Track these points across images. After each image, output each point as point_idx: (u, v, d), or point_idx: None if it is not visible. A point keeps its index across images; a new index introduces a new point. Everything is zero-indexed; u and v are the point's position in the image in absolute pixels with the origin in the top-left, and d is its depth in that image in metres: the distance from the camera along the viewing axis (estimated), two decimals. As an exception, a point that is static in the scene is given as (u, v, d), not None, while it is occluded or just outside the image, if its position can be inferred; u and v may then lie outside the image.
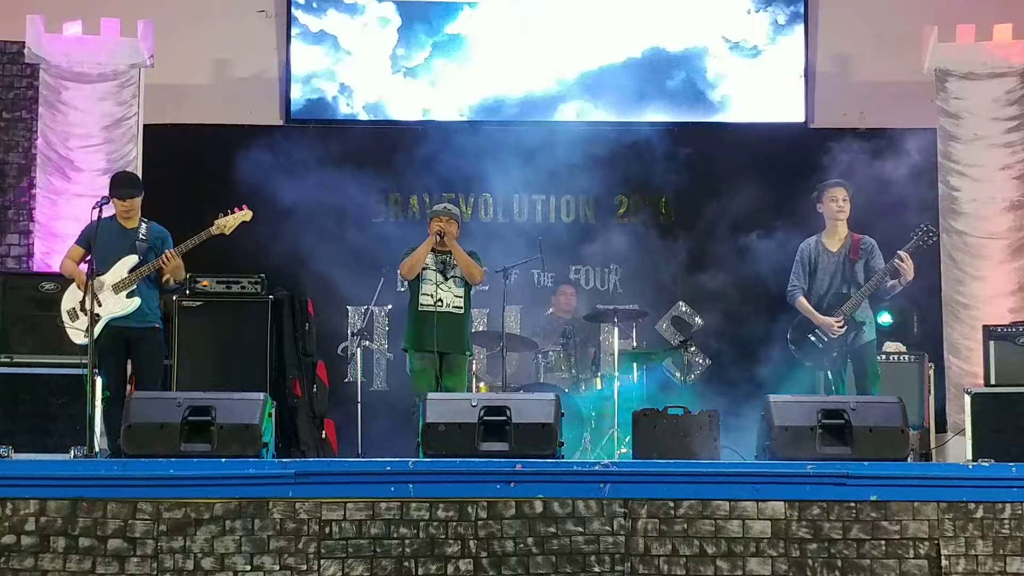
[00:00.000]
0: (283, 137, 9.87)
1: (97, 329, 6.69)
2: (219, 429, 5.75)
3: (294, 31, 10.14)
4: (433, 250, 7.43)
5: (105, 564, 5.21)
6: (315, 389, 8.32)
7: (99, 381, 6.95)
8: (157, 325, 7.15)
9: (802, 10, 10.17)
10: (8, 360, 7.66)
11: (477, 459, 5.60)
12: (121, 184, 7.11)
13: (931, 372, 8.68)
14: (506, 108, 10.19)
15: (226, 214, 7.14)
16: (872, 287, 7.04)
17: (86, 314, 6.64)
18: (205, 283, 7.78)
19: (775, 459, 5.73)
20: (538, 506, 5.28)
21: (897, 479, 5.38)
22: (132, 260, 6.99)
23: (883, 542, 5.29)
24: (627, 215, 10.12)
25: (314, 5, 10.17)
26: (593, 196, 10.08)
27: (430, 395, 6.20)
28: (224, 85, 10.05)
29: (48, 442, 7.19)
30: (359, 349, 8.58)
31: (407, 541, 5.24)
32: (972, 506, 5.33)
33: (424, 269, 7.41)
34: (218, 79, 10.07)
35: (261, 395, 6.03)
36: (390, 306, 9.69)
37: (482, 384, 8.86)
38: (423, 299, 7.40)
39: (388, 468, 5.36)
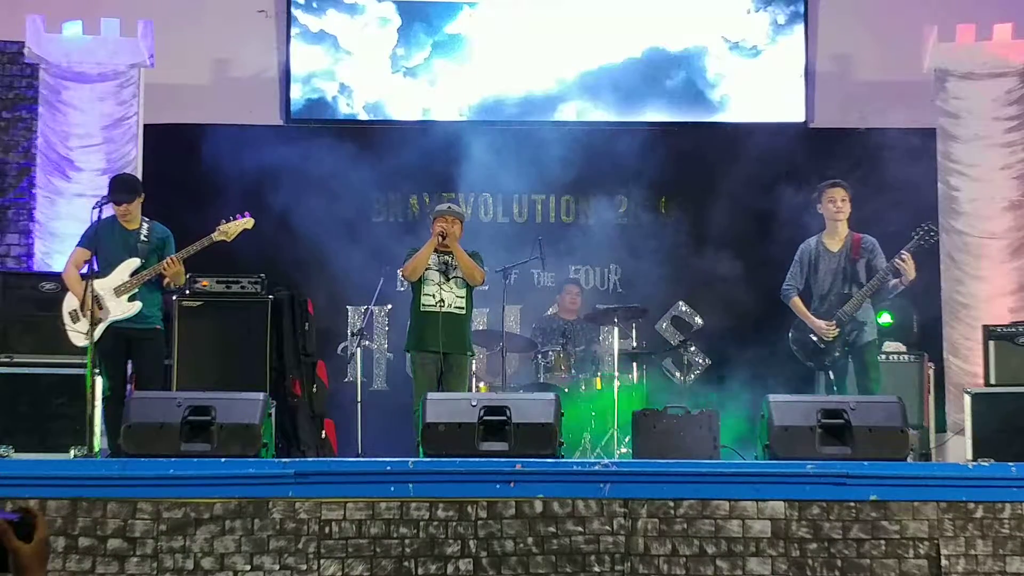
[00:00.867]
0: (283, 137, 9.88)
1: (98, 332, 6.69)
2: (219, 429, 5.76)
3: (294, 31, 10.14)
4: (435, 250, 7.43)
5: (105, 564, 5.21)
6: (315, 389, 8.31)
7: (99, 381, 6.95)
8: (158, 326, 7.16)
9: (802, 10, 10.16)
10: (8, 360, 7.65)
11: (477, 459, 5.60)
12: (117, 189, 7.08)
13: (931, 372, 8.68)
14: (506, 108, 10.19)
15: (228, 221, 7.14)
16: (874, 286, 7.04)
17: (87, 317, 6.64)
18: (205, 283, 7.78)
19: (775, 459, 5.73)
20: (538, 506, 5.28)
21: (897, 479, 5.39)
22: (134, 263, 6.99)
23: (883, 542, 5.29)
24: (627, 215, 10.12)
25: (314, 5, 10.17)
26: (593, 196, 10.07)
27: (430, 395, 6.20)
28: (224, 85, 10.04)
29: (48, 442, 7.17)
30: (359, 349, 8.58)
31: (407, 541, 5.25)
32: (972, 506, 5.33)
33: (426, 270, 7.41)
34: (218, 79, 10.07)
35: (261, 395, 6.04)
36: (390, 306, 9.70)
37: (482, 384, 8.86)
38: (425, 299, 7.40)
39: (388, 468, 5.36)
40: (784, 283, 7.32)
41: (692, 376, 9.49)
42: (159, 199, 7.91)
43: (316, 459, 7.26)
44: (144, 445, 5.72)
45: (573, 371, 8.79)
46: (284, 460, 5.75)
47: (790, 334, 7.30)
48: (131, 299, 6.94)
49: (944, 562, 5.27)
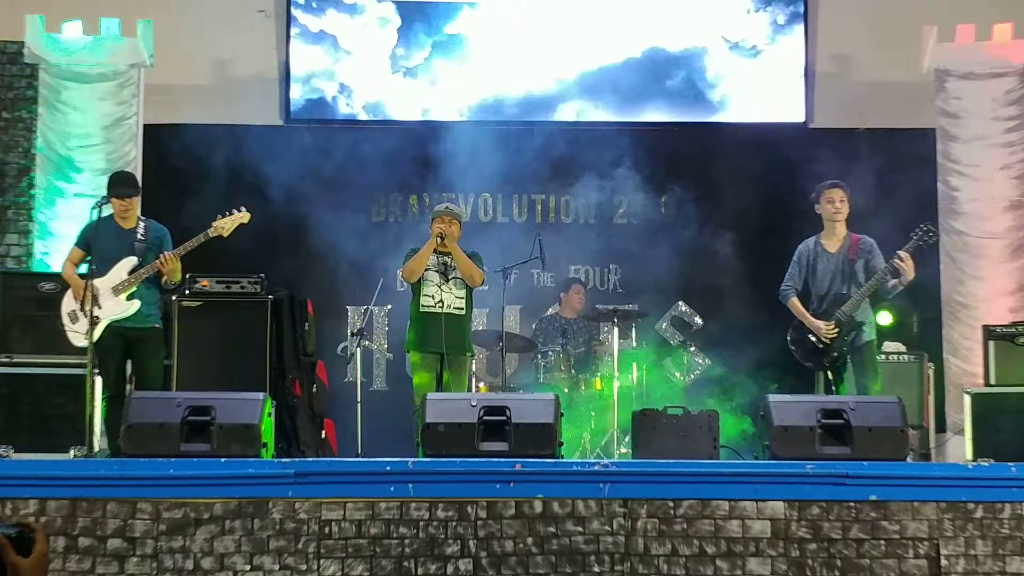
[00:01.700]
0: (283, 137, 9.88)
1: (97, 331, 6.69)
2: (219, 429, 5.75)
3: (294, 31, 10.14)
4: (435, 251, 7.43)
5: (105, 564, 5.21)
6: (315, 389, 8.32)
7: (99, 381, 6.95)
8: (157, 325, 7.15)
9: (802, 10, 10.16)
10: (8, 360, 7.66)
11: (477, 459, 5.60)
12: (120, 183, 7.11)
13: (931, 372, 8.69)
14: (506, 108, 10.19)
15: (224, 216, 7.14)
16: (872, 287, 7.03)
17: (86, 316, 6.64)
18: (205, 283, 7.78)
19: (775, 459, 5.73)
20: (538, 506, 5.28)
21: (896, 479, 5.39)
22: (131, 262, 6.99)
23: (883, 542, 5.29)
24: (627, 215, 10.12)
25: (314, 5, 10.17)
26: (593, 196, 10.06)
27: (430, 395, 6.20)
28: (224, 85, 10.04)
29: (48, 442, 7.18)
30: (359, 349, 8.58)
31: (407, 541, 5.24)
32: (971, 506, 5.33)
33: (425, 270, 7.41)
34: (218, 79, 10.07)
35: (261, 395, 6.03)
36: (390, 306, 9.69)
37: (482, 384, 8.86)
38: (424, 300, 7.40)
39: (388, 468, 5.36)
40: (782, 284, 7.32)
41: (692, 376, 9.49)
42: (159, 199, 7.93)
43: (316, 459, 7.26)
44: (144, 445, 5.72)
45: (573, 371, 8.79)
46: (284, 460, 5.75)
47: (788, 334, 7.30)
48: (129, 298, 6.94)
49: (944, 562, 5.27)
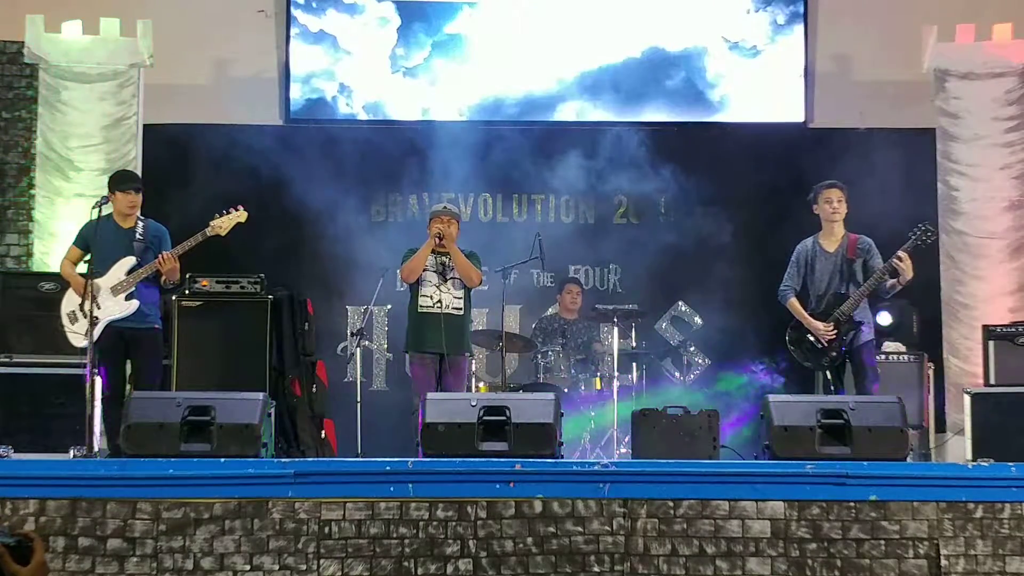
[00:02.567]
0: (283, 137, 9.87)
1: (96, 332, 6.69)
2: (218, 429, 5.75)
3: (293, 31, 10.14)
4: (433, 251, 7.43)
5: (105, 564, 5.21)
6: (315, 389, 8.32)
7: (98, 381, 6.95)
8: (156, 325, 7.15)
9: (802, 10, 10.16)
10: (8, 360, 7.66)
11: (476, 459, 5.60)
12: (127, 178, 7.18)
13: (931, 372, 8.68)
14: (506, 108, 10.19)
15: (221, 215, 7.14)
16: (871, 286, 7.03)
17: (85, 317, 6.64)
18: (204, 283, 7.78)
19: (774, 459, 5.73)
20: (537, 506, 5.28)
21: (896, 479, 5.38)
22: (130, 262, 6.99)
23: (882, 542, 5.29)
24: (627, 215, 10.12)
25: (313, 5, 10.17)
26: (593, 196, 10.07)
27: (430, 395, 6.20)
28: (223, 85, 10.04)
29: (47, 442, 7.18)
30: (359, 349, 8.58)
31: (407, 541, 5.24)
32: (971, 506, 5.33)
33: (423, 271, 7.41)
34: (217, 79, 10.07)
35: (260, 395, 6.03)
36: (390, 306, 9.69)
37: (482, 384, 8.86)
38: (423, 300, 7.41)
39: (387, 468, 5.36)
40: (781, 284, 7.32)
41: (692, 376, 9.49)
42: (159, 199, 7.92)
43: (316, 459, 7.26)
44: (144, 445, 5.72)
45: (573, 371, 8.79)
46: (284, 460, 5.75)
47: (787, 334, 7.30)
48: (128, 298, 6.94)
49: (944, 562, 5.27)
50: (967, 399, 7.65)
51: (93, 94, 9.23)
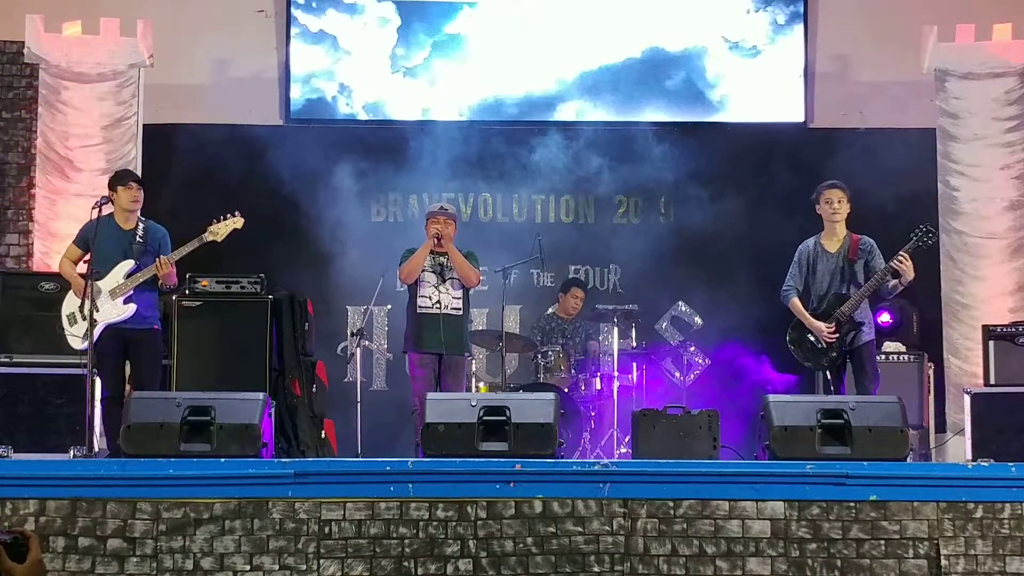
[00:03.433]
0: (282, 137, 9.87)
1: (95, 334, 6.69)
2: (218, 429, 5.75)
3: (293, 31, 10.13)
4: (431, 252, 7.44)
5: (105, 564, 5.21)
6: (315, 389, 8.31)
7: (98, 381, 6.95)
8: (156, 326, 7.16)
9: (802, 10, 10.16)
10: (7, 360, 7.66)
11: (476, 459, 5.60)
12: (128, 174, 7.19)
13: (931, 372, 8.69)
14: (506, 108, 10.19)
15: (218, 220, 7.14)
16: (872, 286, 7.03)
17: (84, 318, 6.64)
18: (204, 283, 7.77)
19: (774, 459, 5.73)
20: (537, 506, 5.28)
21: (896, 479, 5.38)
22: (129, 265, 6.99)
23: (882, 542, 5.29)
24: (627, 215, 10.12)
25: (313, 5, 10.16)
26: (593, 196, 10.07)
27: (430, 395, 6.21)
28: (223, 85, 10.03)
29: (47, 442, 7.19)
30: (359, 349, 8.58)
31: (407, 541, 5.24)
32: (971, 506, 5.33)
33: (422, 271, 7.42)
34: (217, 79, 10.06)
35: (260, 395, 6.03)
36: (390, 306, 9.68)
37: (482, 384, 8.86)
38: (421, 301, 7.42)
39: (387, 468, 5.36)
40: (783, 285, 7.32)
41: (692, 376, 9.49)
42: (159, 199, 7.92)
43: (316, 459, 7.26)
44: (143, 445, 5.72)
45: (573, 371, 8.79)
46: (284, 460, 5.75)
47: (788, 334, 7.30)
48: (126, 301, 6.94)
49: (944, 562, 5.27)
50: (967, 399, 7.66)
51: (93, 94, 9.23)
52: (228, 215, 7.17)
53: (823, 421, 5.80)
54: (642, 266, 9.82)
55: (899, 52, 9.63)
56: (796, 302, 7.22)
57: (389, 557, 5.23)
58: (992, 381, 7.83)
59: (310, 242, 9.50)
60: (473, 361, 9.04)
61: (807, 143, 9.92)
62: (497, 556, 5.23)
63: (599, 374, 8.77)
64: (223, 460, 5.52)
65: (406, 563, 5.23)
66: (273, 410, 6.24)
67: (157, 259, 6.95)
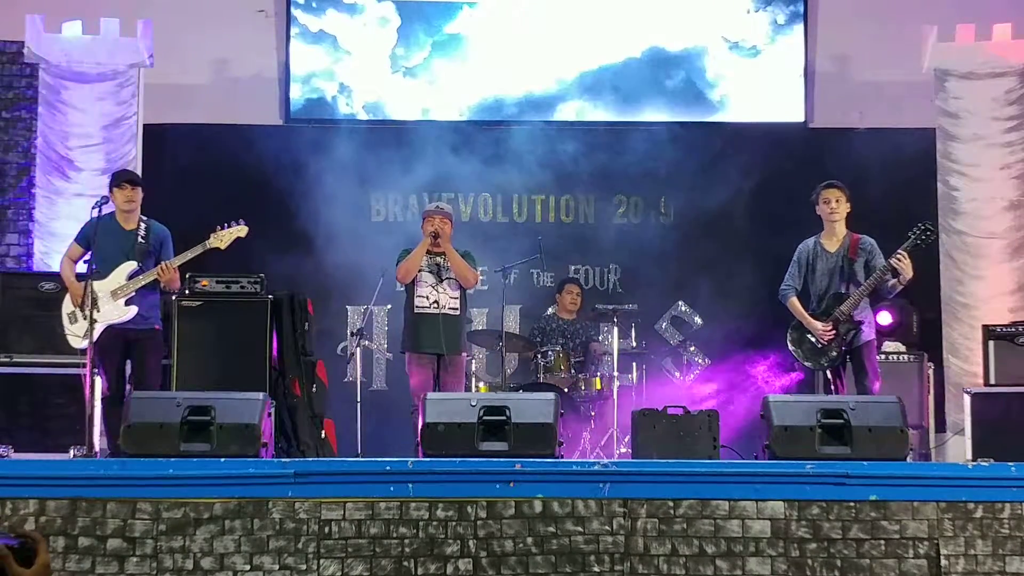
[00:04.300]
0: (282, 137, 9.87)
1: (95, 333, 6.69)
2: (218, 429, 5.75)
3: (293, 31, 10.13)
4: (428, 252, 7.44)
5: (105, 564, 5.20)
6: (315, 389, 8.30)
7: (98, 381, 6.95)
8: (157, 326, 7.15)
9: (802, 10, 10.16)
10: (7, 360, 7.65)
11: (476, 459, 5.60)
12: (124, 174, 7.18)
13: (930, 372, 8.68)
14: (505, 108, 10.19)
15: (222, 228, 7.14)
16: (871, 285, 7.03)
17: (85, 318, 6.64)
18: (204, 283, 7.76)
19: (774, 459, 5.73)
20: (537, 506, 5.28)
21: (896, 479, 5.38)
22: (131, 266, 6.98)
23: (882, 542, 5.29)
24: (627, 215, 10.12)
25: (313, 5, 10.16)
26: (593, 196, 10.08)
27: (429, 395, 6.21)
28: (223, 85, 10.04)
29: (47, 442, 7.18)
30: (359, 349, 8.57)
31: (406, 541, 5.24)
32: (971, 506, 5.33)
33: (419, 271, 7.43)
34: (217, 79, 10.07)
35: (260, 395, 6.03)
36: (389, 306, 9.68)
37: (482, 384, 8.86)
38: (419, 301, 7.43)
39: (387, 468, 5.36)
40: (782, 284, 7.32)
41: (692, 376, 9.49)
42: (158, 199, 7.91)
43: (316, 459, 7.26)
44: (143, 445, 5.72)
45: (573, 371, 8.79)
46: (284, 460, 5.75)
47: (788, 334, 7.30)
48: (127, 303, 6.94)
49: (944, 562, 5.27)
50: (967, 399, 7.66)
51: (93, 94, 9.23)
52: (232, 223, 7.16)
53: (823, 421, 5.80)
54: (642, 266, 9.82)
55: (899, 52, 9.63)
56: (794, 301, 7.22)
57: (389, 557, 5.23)
58: (992, 381, 7.83)
59: (310, 242, 9.50)
60: (473, 361, 9.04)
61: (807, 143, 9.92)
62: (497, 556, 5.23)
63: (599, 374, 8.77)
64: (223, 460, 5.52)
65: (406, 563, 5.23)
66: (273, 410, 6.23)
67: (160, 265, 6.94)
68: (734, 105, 10.20)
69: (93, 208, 6.79)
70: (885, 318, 8.69)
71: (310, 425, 8.11)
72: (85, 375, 6.61)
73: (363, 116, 10.19)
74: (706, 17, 10.21)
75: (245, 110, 9.96)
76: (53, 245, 8.95)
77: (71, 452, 6.27)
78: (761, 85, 10.15)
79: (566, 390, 8.48)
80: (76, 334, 6.92)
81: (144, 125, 9.35)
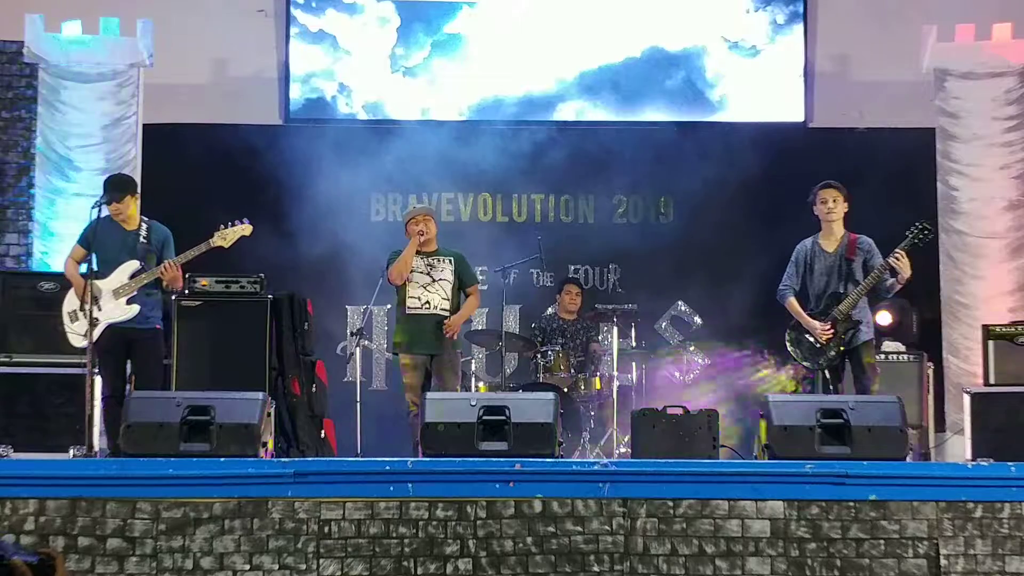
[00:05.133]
0: (282, 136, 9.88)
1: (97, 332, 6.69)
2: (218, 428, 5.75)
3: (293, 30, 10.14)
4: (418, 252, 7.47)
5: (104, 563, 5.21)
6: (314, 388, 8.30)
7: (98, 380, 6.94)
8: (158, 326, 7.14)
9: (801, 9, 10.16)
10: (7, 359, 7.65)
11: (476, 459, 5.60)
12: (107, 188, 7.03)
13: (930, 372, 8.68)
14: (505, 108, 10.19)
15: (226, 226, 7.12)
16: (869, 284, 7.02)
17: (86, 316, 6.63)
18: (204, 283, 7.76)
19: (774, 459, 5.73)
20: (537, 506, 5.28)
21: (896, 479, 5.39)
22: (133, 266, 6.96)
23: (882, 542, 5.29)
24: (626, 215, 10.12)
25: (313, 4, 10.17)
26: (592, 196, 10.08)
27: (429, 395, 6.21)
28: (223, 85, 10.04)
29: (47, 441, 7.16)
30: (358, 349, 8.57)
31: (406, 541, 5.25)
32: (971, 506, 5.33)
33: (412, 272, 7.45)
34: (217, 79, 10.07)
35: (260, 394, 6.03)
36: (389, 306, 9.66)
37: (481, 384, 8.86)
38: (411, 302, 7.45)
39: (387, 468, 5.36)
40: (780, 284, 7.31)
41: (692, 376, 9.49)
42: (158, 199, 7.91)
43: (315, 459, 7.26)
44: (143, 445, 5.72)
45: (573, 371, 8.79)
46: (283, 460, 5.75)
47: (787, 334, 7.30)
48: (129, 302, 6.93)
49: (943, 562, 5.27)
50: (967, 399, 7.65)
51: (93, 94, 9.23)
52: (237, 221, 7.14)
53: (823, 421, 5.80)
54: (642, 266, 9.82)
55: (899, 52, 9.63)
56: (792, 301, 7.22)
57: (389, 557, 5.23)
58: (992, 381, 7.82)
59: (310, 242, 9.50)
60: (473, 361, 9.05)
61: (807, 143, 9.92)
62: (497, 556, 5.24)
63: (599, 374, 8.77)
64: (223, 460, 5.52)
65: (406, 563, 5.23)
66: (273, 410, 6.23)
67: (163, 263, 6.93)
68: (734, 105, 10.20)
69: (92, 208, 6.78)
70: (885, 318, 8.69)
71: (310, 425, 8.12)
72: (85, 375, 6.60)
73: (363, 116, 10.19)
74: (706, 17, 10.21)
75: (245, 110, 9.97)
76: (53, 245, 8.95)
77: (71, 452, 6.27)
78: (761, 85, 10.16)
79: (566, 390, 8.48)
80: (77, 332, 6.92)
81: (144, 125, 9.35)
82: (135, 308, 6.93)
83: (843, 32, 10.13)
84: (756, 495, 5.31)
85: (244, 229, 7.17)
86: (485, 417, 5.80)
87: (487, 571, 5.23)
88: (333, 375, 9.05)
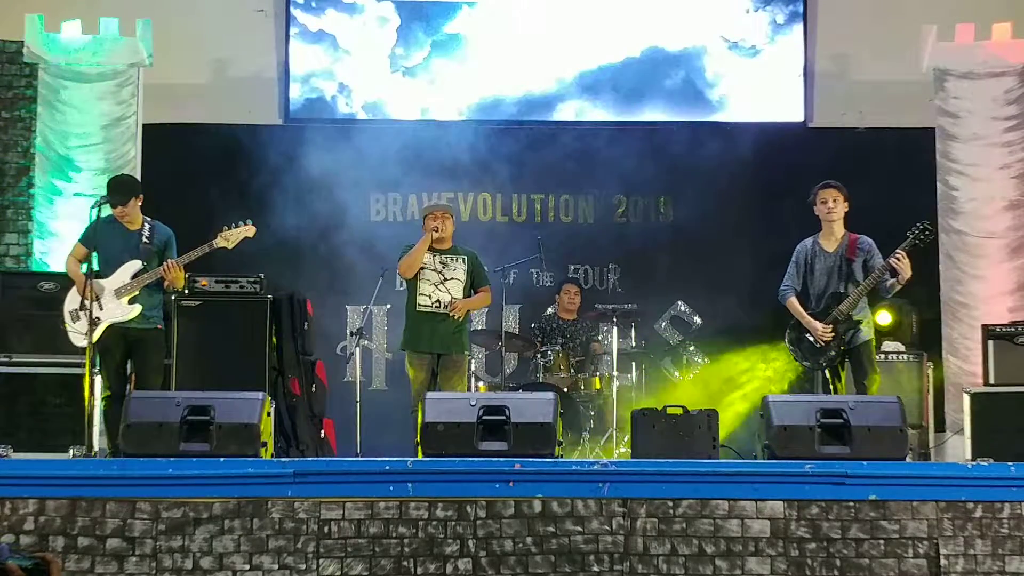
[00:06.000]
0: (282, 136, 9.88)
1: (97, 332, 6.69)
2: (218, 428, 5.75)
3: (293, 30, 10.14)
4: (431, 249, 7.45)
5: (104, 563, 5.21)
6: (314, 388, 8.30)
7: (98, 380, 6.94)
8: (159, 326, 7.15)
9: (801, 9, 10.17)
10: (7, 359, 7.65)
11: (476, 459, 5.60)
12: (111, 191, 7.01)
13: (930, 371, 8.68)
14: (505, 108, 10.19)
15: (230, 227, 7.12)
16: (869, 284, 7.02)
17: (87, 316, 6.63)
18: (204, 282, 7.76)
19: (774, 458, 5.73)
20: (537, 506, 5.28)
21: (896, 478, 5.39)
22: (135, 265, 6.97)
23: (882, 541, 5.29)
24: (626, 215, 10.12)
25: (313, 4, 10.17)
26: (592, 196, 10.08)
27: (429, 395, 6.21)
28: (223, 84, 10.04)
29: (47, 441, 7.17)
30: (358, 349, 8.57)
31: (406, 540, 5.25)
32: (971, 505, 5.33)
33: (423, 269, 7.43)
34: (217, 78, 10.07)
35: (260, 394, 6.03)
36: (389, 305, 9.69)
37: (481, 384, 8.86)
38: (421, 299, 7.42)
39: (387, 468, 5.36)
40: (781, 284, 7.32)
41: (692, 376, 9.49)
42: (158, 199, 7.89)
43: (315, 459, 7.26)
44: (143, 445, 5.72)
45: (573, 371, 8.79)
46: (283, 460, 5.75)
47: (787, 334, 7.30)
48: (131, 301, 6.93)
49: (943, 562, 5.27)
50: (967, 399, 7.65)
51: (92, 94, 9.22)
52: (240, 222, 7.14)
53: (822, 421, 5.80)
54: (642, 266, 9.83)
55: (899, 52, 9.62)
56: (793, 301, 7.22)
57: (388, 557, 5.23)
58: (991, 381, 7.82)
59: (310, 242, 9.50)
60: (473, 361, 9.05)
61: (807, 143, 9.92)
62: (496, 556, 5.24)
63: (599, 374, 8.77)
64: (222, 460, 5.52)
65: (405, 563, 5.23)
66: (273, 410, 6.23)
67: (165, 263, 6.93)
68: (733, 105, 10.20)
69: (92, 208, 6.78)
70: (885, 318, 8.69)
71: (309, 425, 8.12)
72: (85, 375, 6.60)
73: (362, 116, 10.19)
74: (705, 17, 10.22)
75: (244, 110, 9.97)
76: (53, 245, 8.94)
77: (71, 452, 6.26)
78: (760, 85, 10.16)
79: (566, 390, 8.48)
80: (78, 331, 6.91)
81: (144, 125, 9.34)
82: (137, 308, 6.93)
83: (843, 32, 10.13)
84: (756, 495, 5.31)
85: (247, 230, 7.16)
86: (485, 417, 5.80)
87: (487, 571, 5.23)
88: (333, 375, 9.05)
